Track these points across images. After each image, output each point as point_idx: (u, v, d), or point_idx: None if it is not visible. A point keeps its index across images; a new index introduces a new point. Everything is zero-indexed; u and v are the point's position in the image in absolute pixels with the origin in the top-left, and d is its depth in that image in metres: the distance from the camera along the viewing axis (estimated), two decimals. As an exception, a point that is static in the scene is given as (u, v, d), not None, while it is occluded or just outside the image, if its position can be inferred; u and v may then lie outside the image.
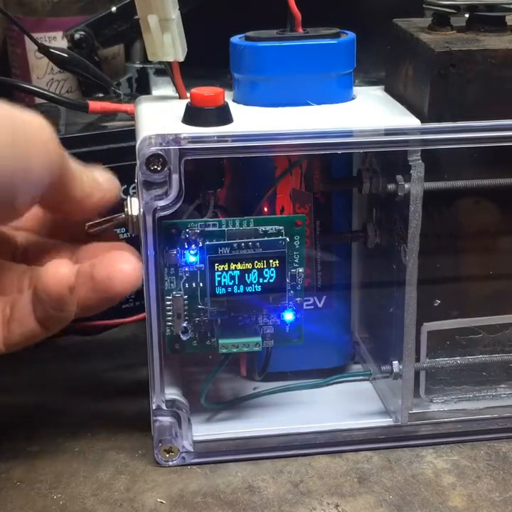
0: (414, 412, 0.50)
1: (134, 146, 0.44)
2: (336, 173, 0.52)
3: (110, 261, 0.43)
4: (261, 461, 0.48)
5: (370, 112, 0.47)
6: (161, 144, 0.43)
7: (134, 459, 0.49)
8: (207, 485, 0.47)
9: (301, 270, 0.47)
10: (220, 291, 0.46)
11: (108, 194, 0.46)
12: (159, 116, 0.47)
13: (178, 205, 0.44)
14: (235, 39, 0.48)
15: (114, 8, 0.68)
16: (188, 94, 0.46)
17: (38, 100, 0.59)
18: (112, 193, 0.46)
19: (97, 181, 0.45)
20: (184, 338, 0.47)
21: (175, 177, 0.43)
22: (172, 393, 0.48)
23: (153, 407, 0.47)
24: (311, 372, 0.54)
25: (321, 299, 0.54)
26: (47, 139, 0.41)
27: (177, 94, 0.50)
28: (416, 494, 0.46)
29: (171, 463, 0.48)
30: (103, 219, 0.47)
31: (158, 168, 0.43)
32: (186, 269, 0.46)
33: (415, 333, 0.48)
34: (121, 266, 0.43)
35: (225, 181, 0.48)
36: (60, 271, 0.41)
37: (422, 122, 0.45)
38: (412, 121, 0.46)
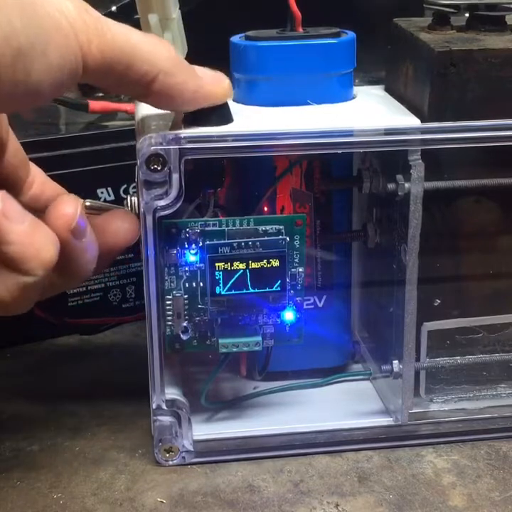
0: (414, 411, 0.50)
1: (134, 145, 0.44)
2: (336, 173, 0.52)
3: (57, 201, 0.41)
4: (261, 461, 0.48)
5: (371, 112, 0.47)
6: (161, 144, 0.43)
7: (134, 458, 0.49)
8: (207, 484, 0.47)
9: (301, 270, 0.47)
10: (220, 290, 0.46)
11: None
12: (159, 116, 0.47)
13: (178, 205, 0.44)
14: (235, 38, 0.48)
15: (114, 8, 0.68)
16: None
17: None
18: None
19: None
20: (184, 337, 0.47)
21: (175, 176, 0.43)
22: (172, 393, 0.48)
23: (154, 407, 0.47)
24: (311, 372, 0.54)
25: (321, 298, 0.54)
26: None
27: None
28: (416, 494, 0.46)
29: (171, 462, 0.48)
30: (101, 203, 0.47)
31: (159, 168, 0.43)
32: (186, 268, 0.46)
33: (415, 333, 0.48)
34: (61, 206, 0.41)
35: (225, 181, 0.48)
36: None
37: (422, 122, 0.45)
38: (412, 121, 0.46)
